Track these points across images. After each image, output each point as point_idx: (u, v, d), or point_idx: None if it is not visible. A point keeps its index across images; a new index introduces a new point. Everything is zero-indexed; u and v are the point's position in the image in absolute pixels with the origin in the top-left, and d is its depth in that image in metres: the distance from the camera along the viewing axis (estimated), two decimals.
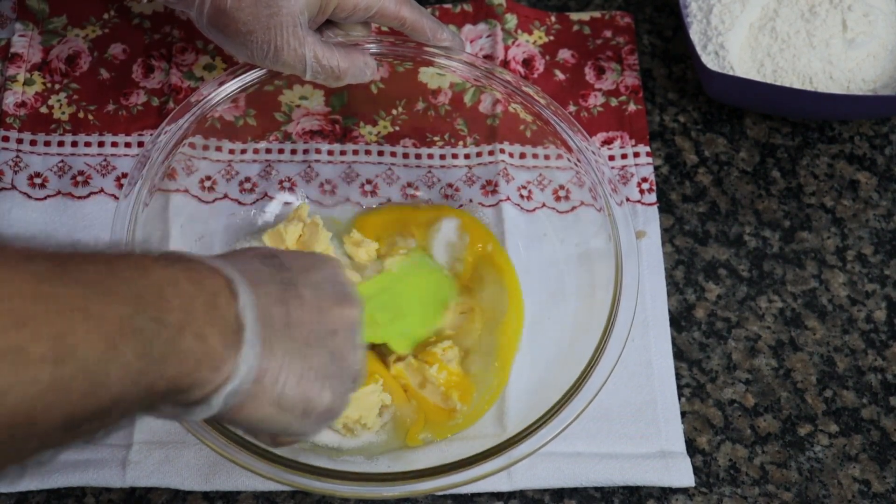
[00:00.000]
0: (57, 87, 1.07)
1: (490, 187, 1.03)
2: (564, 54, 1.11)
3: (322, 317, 0.73)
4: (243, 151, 1.03)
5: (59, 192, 1.02)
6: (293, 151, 1.04)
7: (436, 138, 1.05)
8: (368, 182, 1.04)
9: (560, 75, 1.10)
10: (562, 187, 1.00)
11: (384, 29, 1.01)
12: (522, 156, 1.04)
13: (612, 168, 1.04)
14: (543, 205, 1.01)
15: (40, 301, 0.55)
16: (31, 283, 0.56)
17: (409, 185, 1.04)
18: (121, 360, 0.58)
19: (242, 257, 0.73)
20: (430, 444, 0.91)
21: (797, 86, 1.04)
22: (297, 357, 0.70)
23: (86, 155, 1.04)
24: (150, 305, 0.61)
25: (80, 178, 1.02)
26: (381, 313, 0.93)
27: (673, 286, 1.00)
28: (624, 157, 1.06)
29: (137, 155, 0.96)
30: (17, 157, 1.03)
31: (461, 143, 1.05)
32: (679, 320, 0.99)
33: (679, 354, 0.97)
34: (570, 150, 0.96)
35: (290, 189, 1.03)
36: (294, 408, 0.70)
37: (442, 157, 1.05)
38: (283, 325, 0.69)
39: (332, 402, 0.72)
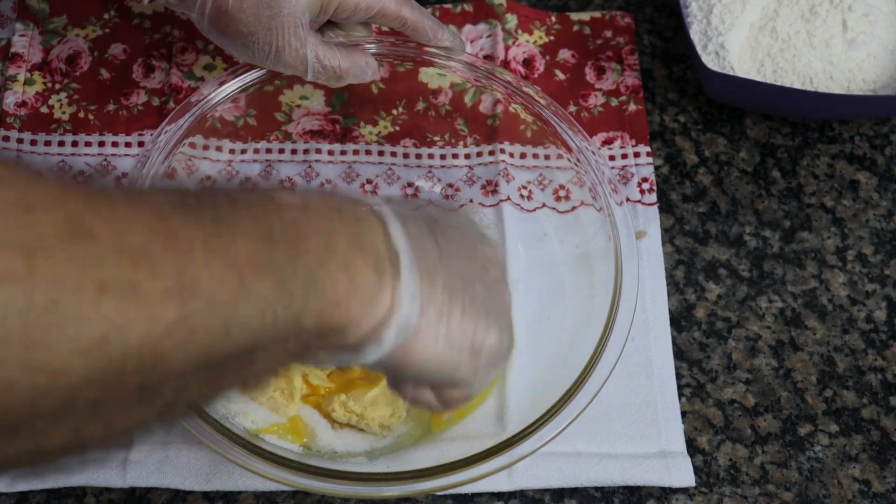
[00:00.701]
0: (57, 86, 1.07)
1: (490, 187, 1.03)
2: (565, 54, 1.11)
3: (471, 253, 0.71)
4: (243, 151, 1.03)
5: None
6: (293, 151, 1.04)
7: (436, 138, 1.05)
8: (369, 182, 1.04)
9: (560, 75, 1.10)
10: (562, 187, 1.00)
11: (385, 29, 1.01)
12: (523, 156, 1.04)
13: (613, 168, 1.04)
14: (544, 205, 1.01)
15: (158, 236, 0.52)
16: (149, 217, 0.53)
17: (410, 184, 1.04)
18: (253, 296, 0.56)
19: (385, 200, 0.69)
20: (452, 424, 0.91)
21: (797, 86, 1.04)
22: (457, 289, 0.67)
23: (86, 155, 1.04)
24: (283, 242, 0.59)
25: (80, 179, 1.02)
26: None
27: (673, 286, 1.00)
28: (624, 157, 1.06)
29: (138, 155, 0.96)
30: (18, 157, 1.03)
31: (461, 143, 1.05)
32: (679, 320, 0.99)
33: (679, 354, 0.97)
34: (570, 150, 0.96)
35: (291, 189, 1.03)
36: (463, 344, 0.68)
37: (442, 156, 1.05)
38: (436, 257, 0.67)
39: (498, 337, 0.70)
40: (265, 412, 0.90)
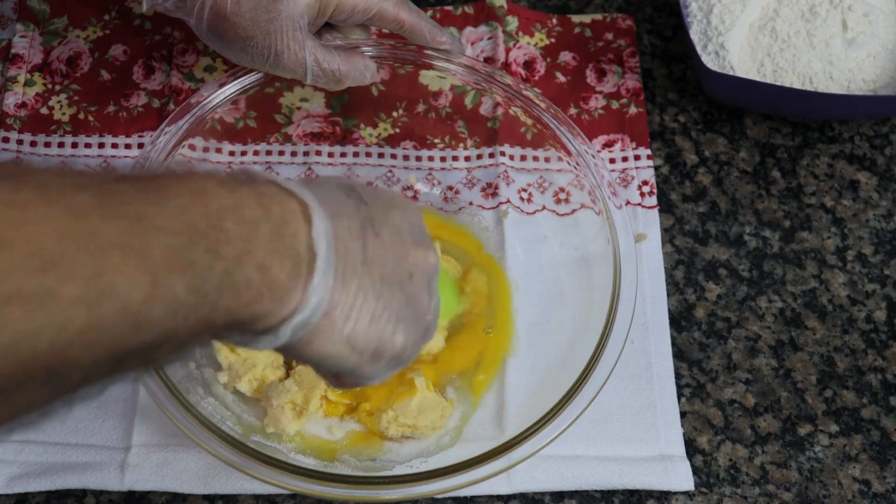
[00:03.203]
0: (57, 87, 1.07)
1: (490, 190, 1.03)
2: (566, 56, 1.11)
3: (400, 257, 0.70)
4: (243, 153, 1.03)
5: None
6: (293, 153, 1.04)
7: (436, 140, 1.05)
8: (369, 184, 1.04)
9: (561, 77, 1.10)
10: (562, 190, 1.00)
11: (384, 31, 1.01)
12: (523, 158, 1.04)
13: (613, 171, 1.04)
14: (544, 207, 1.01)
15: (72, 239, 0.53)
16: (64, 219, 0.53)
17: (409, 187, 1.04)
18: (167, 296, 0.56)
19: (323, 185, 0.69)
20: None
21: (797, 86, 1.04)
22: (371, 295, 0.68)
23: (86, 156, 1.04)
24: (204, 236, 0.58)
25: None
26: None
27: (673, 286, 1.00)
28: (625, 159, 1.06)
29: (137, 157, 0.97)
30: (18, 157, 1.03)
31: (461, 145, 1.05)
32: (679, 320, 0.99)
33: (679, 354, 0.97)
34: (569, 153, 0.96)
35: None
36: (365, 348, 0.68)
37: (442, 159, 1.05)
38: (359, 261, 0.67)
39: (404, 346, 0.70)
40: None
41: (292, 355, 0.69)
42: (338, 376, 0.72)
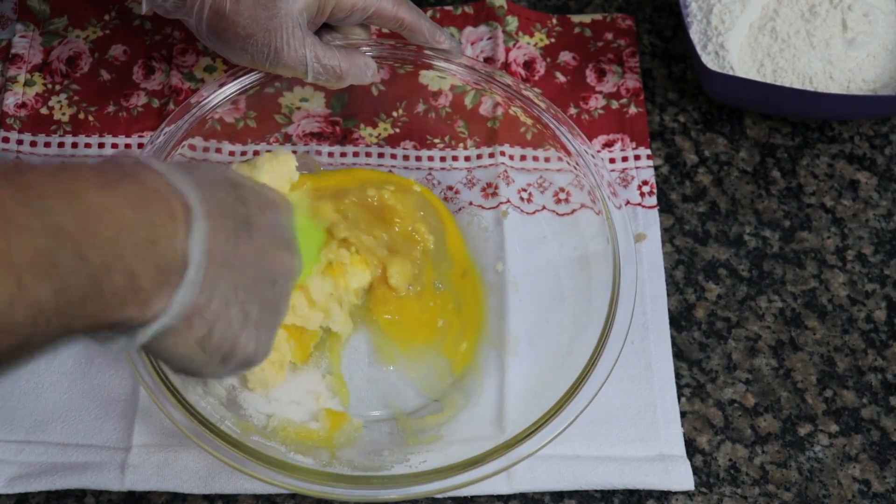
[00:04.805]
0: (57, 88, 1.07)
1: (490, 190, 1.03)
2: (565, 56, 1.11)
3: (264, 262, 0.70)
4: (243, 153, 1.03)
5: None
6: (293, 153, 1.04)
7: (436, 140, 1.05)
8: None
9: (561, 77, 1.10)
10: (562, 190, 1.00)
11: (384, 31, 1.01)
12: (523, 158, 1.04)
13: (613, 171, 1.04)
14: (544, 207, 1.01)
15: None
16: None
17: None
18: (30, 299, 0.55)
19: (212, 180, 0.69)
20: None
21: (797, 86, 1.04)
22: (232, 300, 0.67)
23: (86, 156, 1.04)
24: (72, 239, 0.57)
25: None
26: None
27: (673, 286, 1.00)
28: (625, 159, 1.06)
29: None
30: (17, 158, 1.03)
31: (461, 145, 1.05)
32: (679, 320, 0.99)
33: (679, 354, 0.97)
34: (569, 153, 0.96)
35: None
36: (216, 352, 0.68)
37: (442, 159, 1.05)
38: (227, 265, 0.66)
39: (255, 350, 0.71)
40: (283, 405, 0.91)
41: (143, 350, 0.68)
42: (179, 369, 0.71)
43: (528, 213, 1.02)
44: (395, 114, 1.05)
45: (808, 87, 1.04)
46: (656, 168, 1.06)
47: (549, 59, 1.11)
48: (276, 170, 0.92)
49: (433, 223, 0.98)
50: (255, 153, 1.03)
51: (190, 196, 0.64)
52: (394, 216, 0.96)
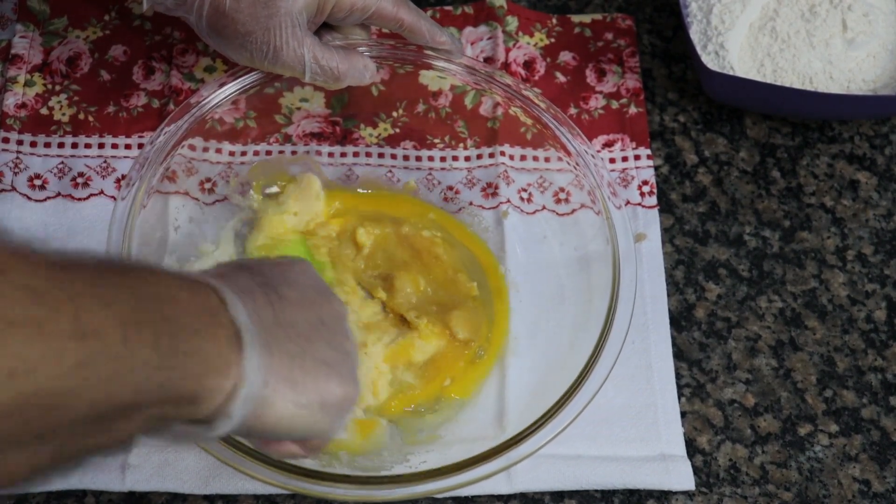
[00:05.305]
0: (57, 88, 1.07)
1: (490, 190, 1.03)
2: (565, 56, 1.11)
3: (308, 310, 0.72)
4: (243, 153, 1.03)
5: (58, 194, 1.02)
6: (293, 153, 1.04)
7: (436, 140, 1.05)
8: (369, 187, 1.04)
9: (561, 77, 1.10)
10: (562, 189, 1.00)
11: (384, 31, 1.01)
12: (523, 158, 1.04)
13: (613, 171, 1.04)
14: (544, 207, 1.01)
15: (54, 281, 0.54)
16: (44, 266, 0.54)
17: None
18: (135, 346, 0.57)
19: (222, 269, 0.72)
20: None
21: (797, 86, 1.04)
22: (297, 353, 0.69)
23: (86, 157, 1.04)
24: (149, 311, 0.59)
25: (80, 180, 1.02)
26: None
27: (673, 286, 1.00)
28: (625, 159, 1.06)
29: (137, 156, 0.97)
30: (17, 158, 1.03)
31: (461, 145, 1.05)
32: (679, 320, 0.99)
33: (679, 354, 0.97)
34: (569, 153, 0.96)
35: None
36: (311, 402, 0.69)
37: (442, 159, 1.05)
38: (275, 326, 0.69)
39: (343, 389, 0.72)
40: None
41: (252, 435, 0.71)
42: (304, 443, 0.74)
43: (528, 213, 1.02)
44: (395, 114, 1.05)
45: (808, 87, 1.04)
46: (656, 168, 1.06)
47: (549, 59, 1.11)
48: (303, 193, 0.95)
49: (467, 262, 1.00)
50: (255, 153, 1.03)
51: (211, 280, 0.66)
52: (434, 260, 0.98)
